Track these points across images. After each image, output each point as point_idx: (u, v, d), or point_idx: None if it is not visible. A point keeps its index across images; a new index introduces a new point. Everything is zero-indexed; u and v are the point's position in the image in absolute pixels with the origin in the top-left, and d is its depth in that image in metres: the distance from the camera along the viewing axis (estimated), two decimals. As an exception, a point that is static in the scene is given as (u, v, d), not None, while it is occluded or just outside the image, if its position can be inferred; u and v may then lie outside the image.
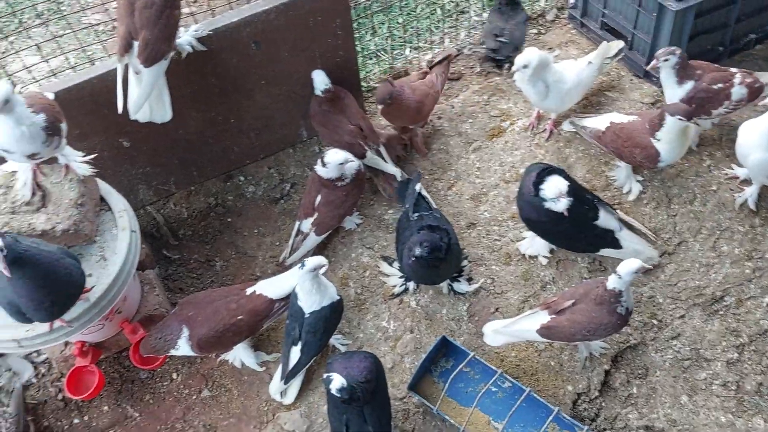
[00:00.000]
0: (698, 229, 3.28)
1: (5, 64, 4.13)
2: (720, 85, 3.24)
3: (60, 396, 3.16)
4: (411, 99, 3.43)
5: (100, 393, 3.08)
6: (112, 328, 3.00)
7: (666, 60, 3.18)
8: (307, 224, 3.34)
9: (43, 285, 2.27)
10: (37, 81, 3.62)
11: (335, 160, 3.15)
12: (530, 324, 2.82)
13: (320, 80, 3.36)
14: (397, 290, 3.28)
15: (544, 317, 2.80)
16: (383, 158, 3.49)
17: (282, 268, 3.38)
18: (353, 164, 3.23)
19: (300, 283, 2.83)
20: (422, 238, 2.83)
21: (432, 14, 4.35)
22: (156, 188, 3.57)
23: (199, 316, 2.88)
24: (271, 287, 3.02)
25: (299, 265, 2.78)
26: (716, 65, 3.37)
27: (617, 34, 3.90)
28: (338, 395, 2.44)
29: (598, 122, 3.34)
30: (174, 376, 3.21)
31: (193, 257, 3.56)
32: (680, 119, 2.96)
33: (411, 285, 3.26)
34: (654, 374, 3.03)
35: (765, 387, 2.96)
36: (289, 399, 3.02)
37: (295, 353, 2.92)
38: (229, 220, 3.67)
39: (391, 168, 3.50)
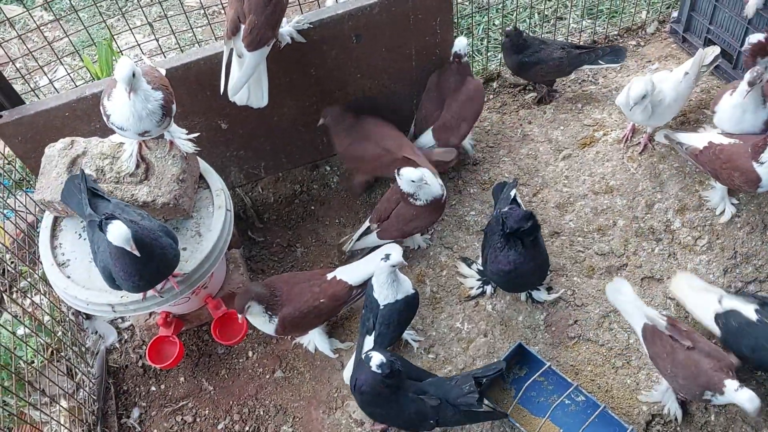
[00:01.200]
0: (795, 258, 3.16)
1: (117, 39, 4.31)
2: None
3: (140, 363, 3.29)
4: (350, 142, 3.38)
5: (178, 364, 3.18)
6: (197, 302, 3.10)
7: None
8: (375, 224, 3.37)
9: (138, 260, 2.34)
10: (142, 60, 3.75)
11: (408, 176, 3.06)
12: (646, 316, 2.80)
13: (463, 44, 3.35)
14: (474, 292, 3.27)
15: (661, 325, 2.74)
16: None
17: (344, 254, 3.46)
18: (432, 189, 3.14)
19: (377, 274, 2.87)
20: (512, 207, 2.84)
21: (530, 18, 4.31)
22: (247, 171, 3.66)
23: (284, 295, 2.95)
24: (350, 273, 3.06)
25: (383, 256, 2.80)
26: None
27: (722, 52, 3.78)
28: (379, 371, 2.49)
29: (695, 140, 3.23)
30: (250, 354, 3.29)
31: (275, 241, 3.64)
32: None
33: (489, 288, 3.25)
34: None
35: None
36: None
37: (369, 343, 2.95)
38: (312, 208, 3.73)
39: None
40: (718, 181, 3.20)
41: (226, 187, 2.95)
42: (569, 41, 4.02)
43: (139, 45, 3.52)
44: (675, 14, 4.15)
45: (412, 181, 3.07)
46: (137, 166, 2.71)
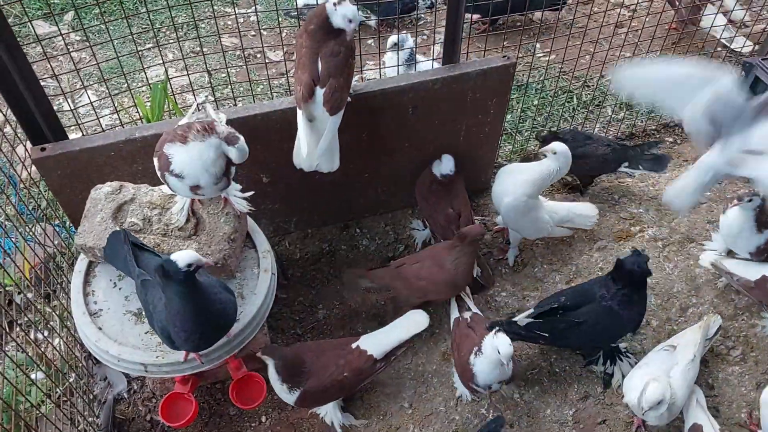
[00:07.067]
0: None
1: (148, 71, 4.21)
2: None
3: (149, 417, 3.13)
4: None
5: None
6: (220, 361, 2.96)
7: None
8: None
9: (197, 316, 2.24)
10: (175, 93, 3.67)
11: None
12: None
13: (448, 165, 3.36)
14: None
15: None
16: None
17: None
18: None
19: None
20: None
21: (568, 102, 4.33)
22: (277, 224, 3.58)
23: (310, 367, 2.83)
24: (374, 344, 2.95)
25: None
26: None
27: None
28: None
29: (747, 271, 3.17)
30: (263, 419, 3.15)
31: (298, 299, 3.53)
32: None
33: None
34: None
35: None
36: None
37: None
38: (338, 269, 3.63)
39: None
40: None
41: (271, 249, 2.84)
42: (615, 138, 3.94)
43: (193, 91, 3.40)
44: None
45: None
46: (187, 220, 2.61)
